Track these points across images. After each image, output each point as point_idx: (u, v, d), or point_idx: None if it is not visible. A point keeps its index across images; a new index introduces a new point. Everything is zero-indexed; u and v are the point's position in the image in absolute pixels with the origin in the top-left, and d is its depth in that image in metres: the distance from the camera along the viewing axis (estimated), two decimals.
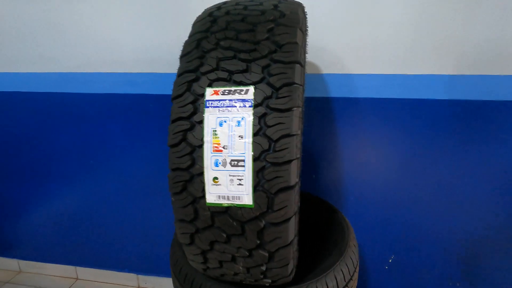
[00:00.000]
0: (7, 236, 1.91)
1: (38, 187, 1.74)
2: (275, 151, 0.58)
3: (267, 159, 0.58)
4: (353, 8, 1.24)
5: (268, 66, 0.61)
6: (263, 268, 0.69)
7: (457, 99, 1.25)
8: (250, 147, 0.58)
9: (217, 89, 0.60)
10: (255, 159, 0.58)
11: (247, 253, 0.65)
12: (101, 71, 1.48)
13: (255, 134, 0.58)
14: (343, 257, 0.84)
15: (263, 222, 0.61)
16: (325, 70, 1.35)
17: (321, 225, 1.14)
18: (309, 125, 1.43)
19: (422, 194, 1.39)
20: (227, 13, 0.70)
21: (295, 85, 0.60)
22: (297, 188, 0.62)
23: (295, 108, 0.59)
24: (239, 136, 0.58)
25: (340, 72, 1.33)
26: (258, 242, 0.63)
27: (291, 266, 0.69)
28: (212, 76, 0.61)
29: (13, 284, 1.95)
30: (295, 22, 0.67)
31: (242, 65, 0.61)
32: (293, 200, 0.61)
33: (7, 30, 1.51)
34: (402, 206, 1.43)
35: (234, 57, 0.62)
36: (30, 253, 1.94)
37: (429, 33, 1.21)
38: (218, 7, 0.74)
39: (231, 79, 0.61)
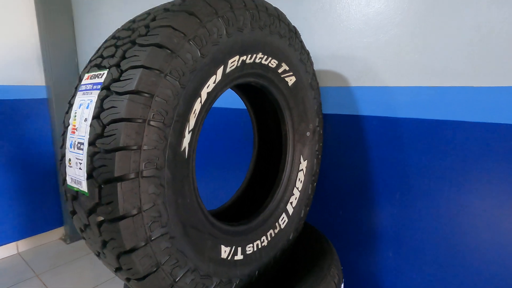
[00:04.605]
0: None
1: None
2: (104, 136, 0.53)
3: (97, 144, 0.54)
4: None
5: (128, 49, 0.57)
6: (124, 274, 0.61)
7: None
8: (88, 130, 0.56)
9: (89, 74, 0.62)
10: (90, 143, 0.55)
11: (102, 252, 0.61)
12: None
13: (94, 117, 0.55)
14: None
15: (101, 216, 0.56)
16: (354, 83, 1.11)
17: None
18: (335, 150, 1.19)
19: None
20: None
21: (142, 68, 0.54)
22: (133, 184, 0.54)
23: (136, 92, 0.53)
24: (85, 119, 0.57)
25: (373, 85, 1.07)
26: (102, 240, 0.58)
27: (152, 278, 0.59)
28: (93, 62, 0.63)
29: None
30: (188, 6, 0.61)
31: (113, 51, 0.60)
32: (123, 196, 0.53)
33: None
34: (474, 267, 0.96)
35: (114, 44, 0.62)
36: None
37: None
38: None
39: (101, 65, 0.61)
